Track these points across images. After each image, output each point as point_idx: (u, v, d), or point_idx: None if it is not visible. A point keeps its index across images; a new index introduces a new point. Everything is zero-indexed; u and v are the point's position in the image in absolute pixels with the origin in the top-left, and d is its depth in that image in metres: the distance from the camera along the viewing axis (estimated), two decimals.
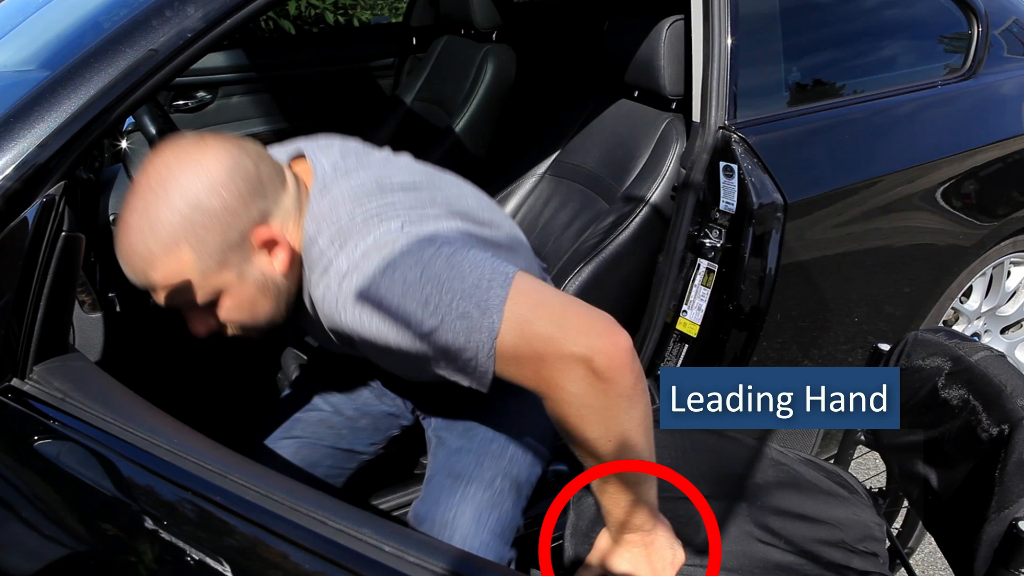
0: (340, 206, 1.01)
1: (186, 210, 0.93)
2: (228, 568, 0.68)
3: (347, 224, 0.99)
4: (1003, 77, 2.12)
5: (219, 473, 0.75)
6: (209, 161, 0.95)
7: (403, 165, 1.17)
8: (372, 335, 0.95)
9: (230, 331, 1.06)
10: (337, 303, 0.96)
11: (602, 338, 0.89)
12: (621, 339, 0.90)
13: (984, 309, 2.42)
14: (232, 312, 1.02)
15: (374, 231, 0.97)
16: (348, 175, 1.06)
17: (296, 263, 1.04)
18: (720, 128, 1.65)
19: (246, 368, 1.98)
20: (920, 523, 1.38)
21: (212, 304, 1.00)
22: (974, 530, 1.06)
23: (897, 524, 1.47)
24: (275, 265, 1.01)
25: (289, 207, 1.02)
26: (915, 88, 1.97)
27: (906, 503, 1.40)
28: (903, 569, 1.33)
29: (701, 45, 1.68)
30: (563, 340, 0.89)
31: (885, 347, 1.36)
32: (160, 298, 0.98)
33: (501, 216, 1.29)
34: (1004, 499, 1.03)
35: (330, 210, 1.01)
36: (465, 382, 0.97)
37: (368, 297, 0.93)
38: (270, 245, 1.00)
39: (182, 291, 0.96)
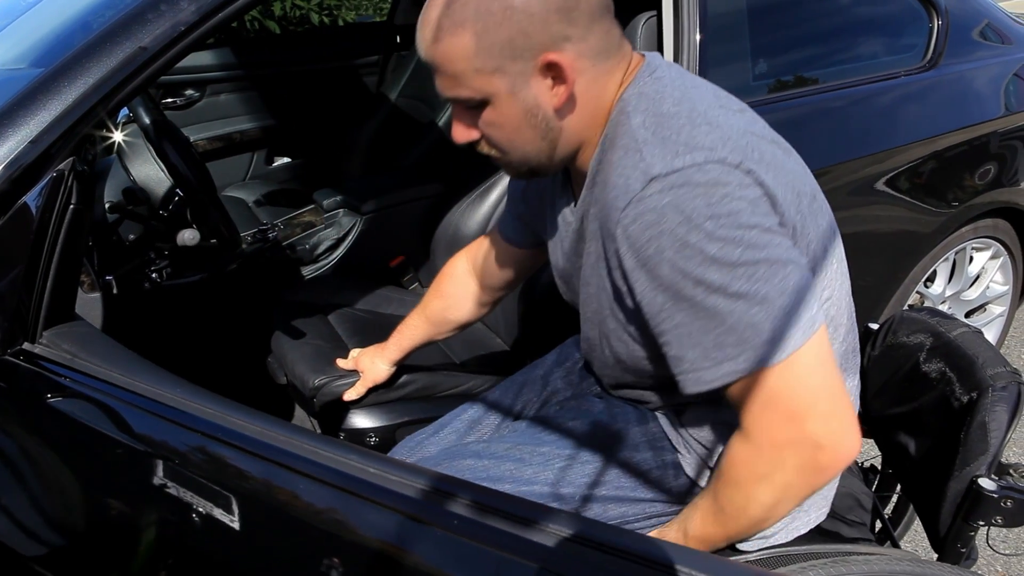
0: (668, 97, 0.94)
1: None
2: (234, 500, 0.75)
3: (672, 119, 0.91)
4: (963, 68, 2.20)
5: (220, 414, 0.82)
6: None
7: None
8: (646, 257, 0.88)
9: (486, 149, 1.00)
10: (631, 206, 0.88)
11: (847, 438, 0.87)
12: (856, 447, 0.88)
13: (948, 294, 2.51)
14: (493, 129, 0.96)
15: (703, 151, 0.87)
16: (693, 81, 0.98)
17: (581, 114, 0.97)
18: None
19: (238, 356, 2.04)
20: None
21: (477, 109, 0.96)
22: (940, 488, 1.13)
23: (890, 511, 1.53)
24: (551, 98, 0.94)
25: (596, 50, 0.94)
26: (877, 79, 2.05)
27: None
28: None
29: (672, 40, 1.75)
30: (817, 419, 0.86)
31: (874, 326, 1.42)
32: (437, 83, 0.95)
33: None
34: (966, 458, 1.10)
35: (655, 93, 0.95)
36: (677, 368, 0.91)
37: (677, 220, 0.85)
38: (555, 74, 0.92)
39: (454, 80, 0.93)
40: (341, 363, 1.67)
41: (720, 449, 1.12)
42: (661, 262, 0.86)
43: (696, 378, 0.89)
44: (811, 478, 0.89)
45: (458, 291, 1.51)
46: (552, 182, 1.18)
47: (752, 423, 0.90)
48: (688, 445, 1.16)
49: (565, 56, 0.91)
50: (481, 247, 1.48)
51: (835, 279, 1.06)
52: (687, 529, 1.01)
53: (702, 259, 0.84)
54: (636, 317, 0.98)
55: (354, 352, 1.68)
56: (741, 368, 0.86)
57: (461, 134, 0.99)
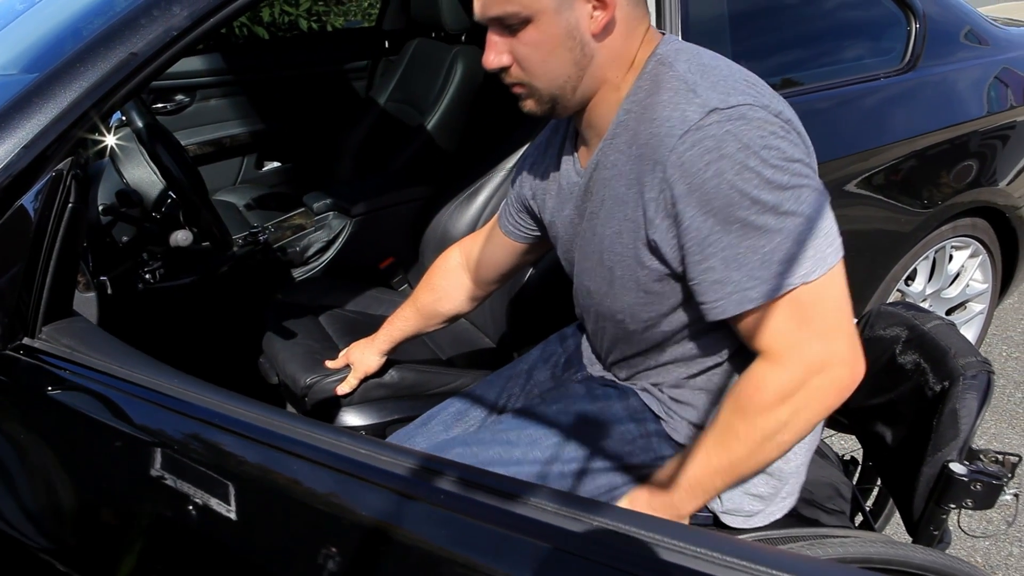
0: (704, 55, 1.03)
1: None
2: (231, 485, 0.78)
3: (715, 70, 0.99)
4: (941, 70, 2.25)
5: (217, 402, 0.85)
6: None
7: None
8: (700, 180, 0.94)
9: (514, 75, 1.05)
10: (689, 134, 0.94)
11: (861, 359, 0.97)
12: (863, 369, 0.98)
13: (929, 292, 2.55)
14: (529, 49, 1.01)
15: (749, 96, 0.96)
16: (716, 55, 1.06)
17: (612, 46, 1.03)
18: None
19: (230, 357, 2.06)
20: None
21: (517, 28, 1.00)
22: (914, 473, 1.17)
23: (871, 504, 1.57)
24: (590, 23, 1.00)
25: None
26: (857, 81, 2.10)
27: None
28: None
29: None
30: (843, 337, 0.96)
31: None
32: (481, 3, 1.00)
33: None
34: (938, 444, 1.15)
35: (691, 50, 1.04)
36: (718, 294, 0.97)
37: (736, 147, 0.92)
38: (596, 0, 1.00)
39: None
40: (330, 363, 1.70)
41: (702, 408, 1.18)
42: (720, 184, 0.93)
43: (740, 298, 0.96)
44: (830, 398, 0.97)
45: (449, 283, 1.54)
46: (558, 152, 1.24)
47: (783, 343, 0.96)
48: (669, 411, 1.21)
49: None
50: (476, 241, 1.52)
51: None
52: (688, 471, 1.04)
53: (759, 181, 0.92)
54: (660, 254, 1.03)
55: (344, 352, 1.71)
56: (786, 283, 0.93)
57: (492, 60, 1.03)
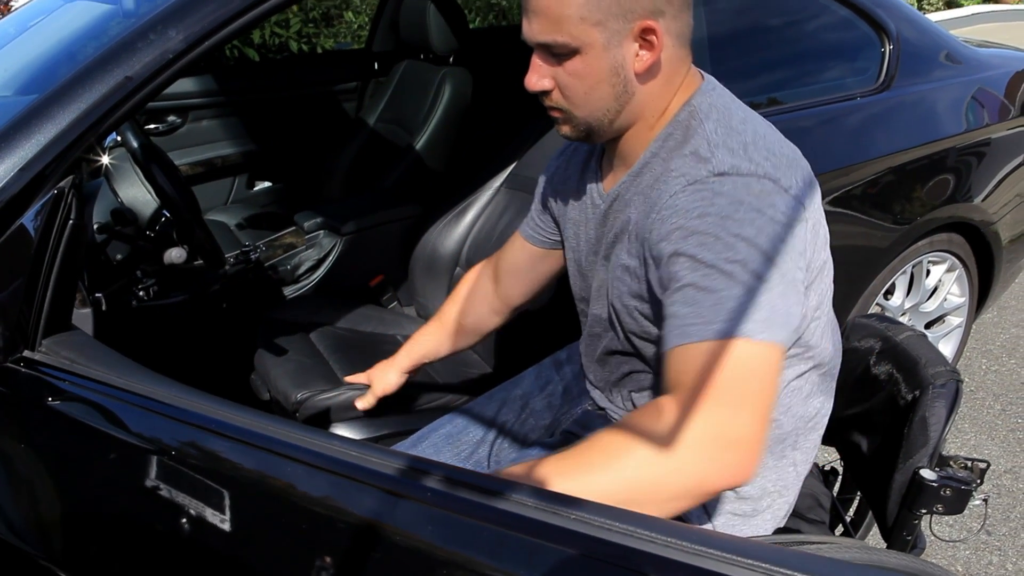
0: (735, 115, 1.05)
1: None
2: (226, 492, 0.81)
3: (740, 135, 1.01)
4: (915, 90, 2.31)
5: (214, 409, 0.88)
6: None
7: None
8: (684, 220, 0.96)
9: (555, 100, 1.06)
10: (693, 185, 0.98)
11: (754, 468, 0.91)
12: (743, 479, 0.92)
13: (907, 306, 2.60)
14: (574, 79, 1.03)
15: (763, 168, 0.98)
16: (746, 107, 1.09)
17: (652, 87, 1.05)
18: None
19: (222, 374, 2.09)
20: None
21: (564, 58, 1.02)
22: (887, 480, 1.21)
23: (851, 515, 1.60)
24: (635, 62, 1.02)
25: (678, 34, 1.04)
26: (833, 100, 2.16)
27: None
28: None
29: None
30: (760, 420, 0.91)
31: None
32: (530, 27, 1.02)
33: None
34: (909, 451, 1.18)
35: (724, 107, 1.05)
36: (671, 324, 0.96)
37: (728, 201, 0.95)
38: (646, 40, 1.01)
39: (555, 24, 0.99)
40: (350, 378, 1.64)
41: None
42: (699, 225, 0.95)
43: (681, 332, 0.94)
44: (712, 477, 0.90)
45: (473, 294, 1.52)
46: (583, 163, 1.26)
47: (703, 385, 0.91)
48: None
49: (659, 27, 1.01)
50: (502, 253, 1.51)
51: (824, 306, 1.14)
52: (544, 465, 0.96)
53: (737, 235, 0.93)
54: (654, 294, 1.04)
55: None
56: (728, 332, 0.91)
57: (535, 82, 1.05)
